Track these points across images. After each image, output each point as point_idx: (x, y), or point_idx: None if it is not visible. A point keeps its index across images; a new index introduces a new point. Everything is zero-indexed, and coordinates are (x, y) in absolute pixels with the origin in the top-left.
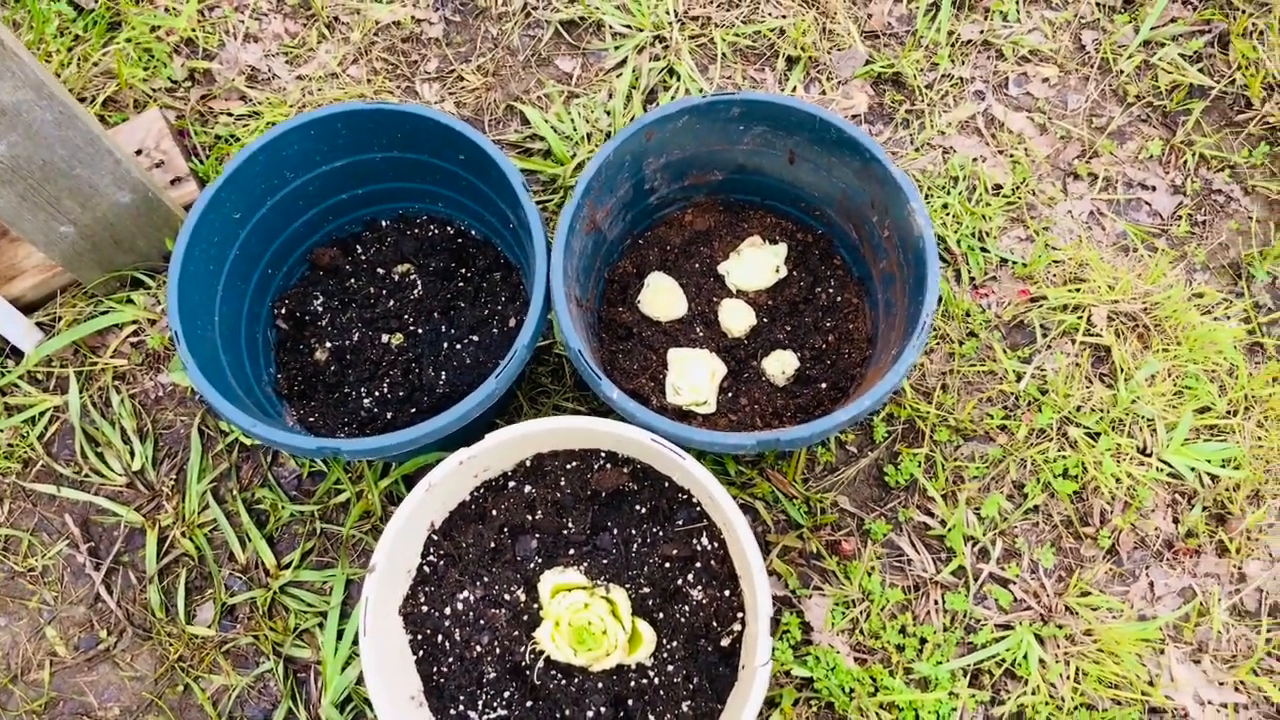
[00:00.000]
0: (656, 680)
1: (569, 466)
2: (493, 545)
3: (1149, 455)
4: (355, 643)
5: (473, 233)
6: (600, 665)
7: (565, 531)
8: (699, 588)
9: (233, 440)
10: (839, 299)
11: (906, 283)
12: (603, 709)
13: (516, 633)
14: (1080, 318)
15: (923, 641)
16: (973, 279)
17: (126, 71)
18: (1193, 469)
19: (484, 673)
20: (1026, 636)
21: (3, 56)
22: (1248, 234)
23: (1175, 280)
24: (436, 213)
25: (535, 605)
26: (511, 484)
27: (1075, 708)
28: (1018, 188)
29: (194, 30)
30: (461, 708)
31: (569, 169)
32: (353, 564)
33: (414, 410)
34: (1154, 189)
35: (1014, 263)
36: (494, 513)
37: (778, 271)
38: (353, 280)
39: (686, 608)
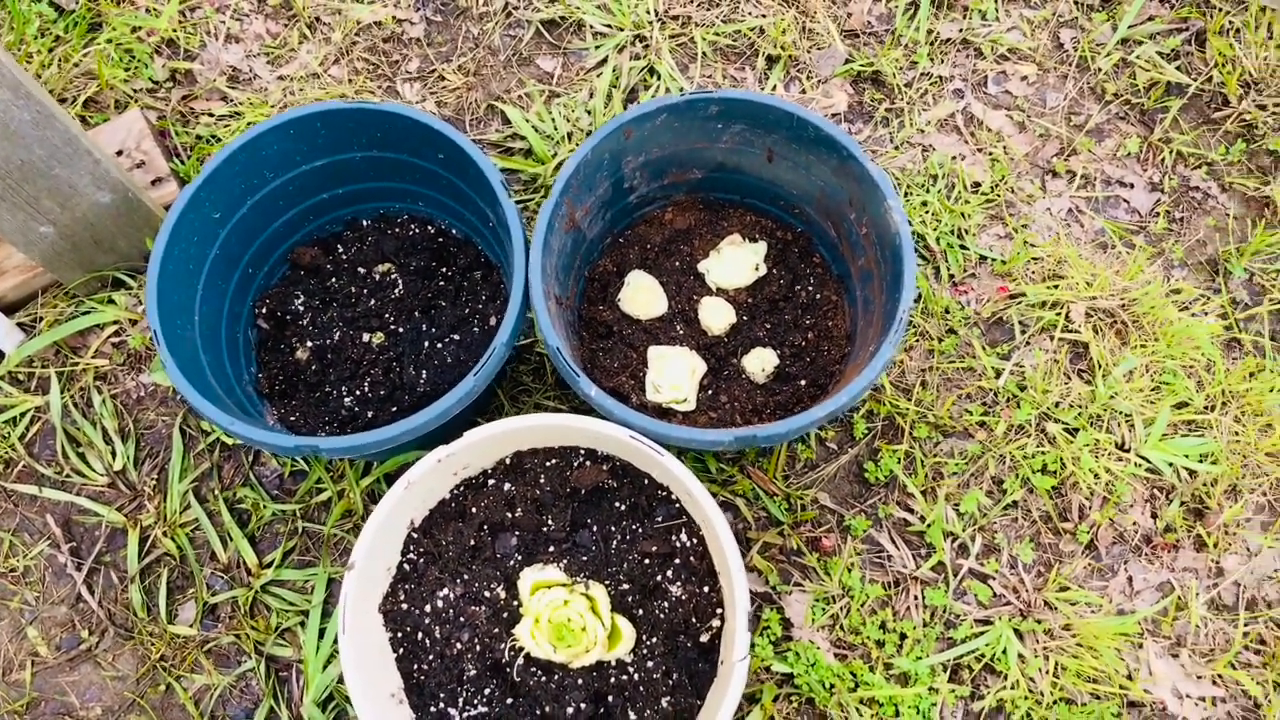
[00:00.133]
0: (636, 676)
1: (549, 464)
2: (473, 543)
3: (1127, 451)
4: (337, 641)
5: (453, 232)
6: (580, 662)
7: (545, 529)
8: (678, 584)
9: (214, 440)
10: (818, 296)
11: (884, 280)
12: (582, 705)
13: (496, 630)
14: (1059, 314)
15: (903, 637)
16: (952, 276)
17: (107, 72)
18: (1170, 464)
19: (464, 670)
20: (1006, 631)
21: None
22: (1225, 230)
23: (1153, 276)
24: (417, 212)
25: (515, 602)
26: (491, 482)
27: (1054, 702)
28: (996, 185)
29: (175, 31)
30: (442, 705)
31: (550, 168)
32: (334, 563)
33: (395, 409)
34: (1132, 186)
35: (993, 260)
36: (474, 510)
37: (757, 269)
38: (334, 279)
39: (666, 604)
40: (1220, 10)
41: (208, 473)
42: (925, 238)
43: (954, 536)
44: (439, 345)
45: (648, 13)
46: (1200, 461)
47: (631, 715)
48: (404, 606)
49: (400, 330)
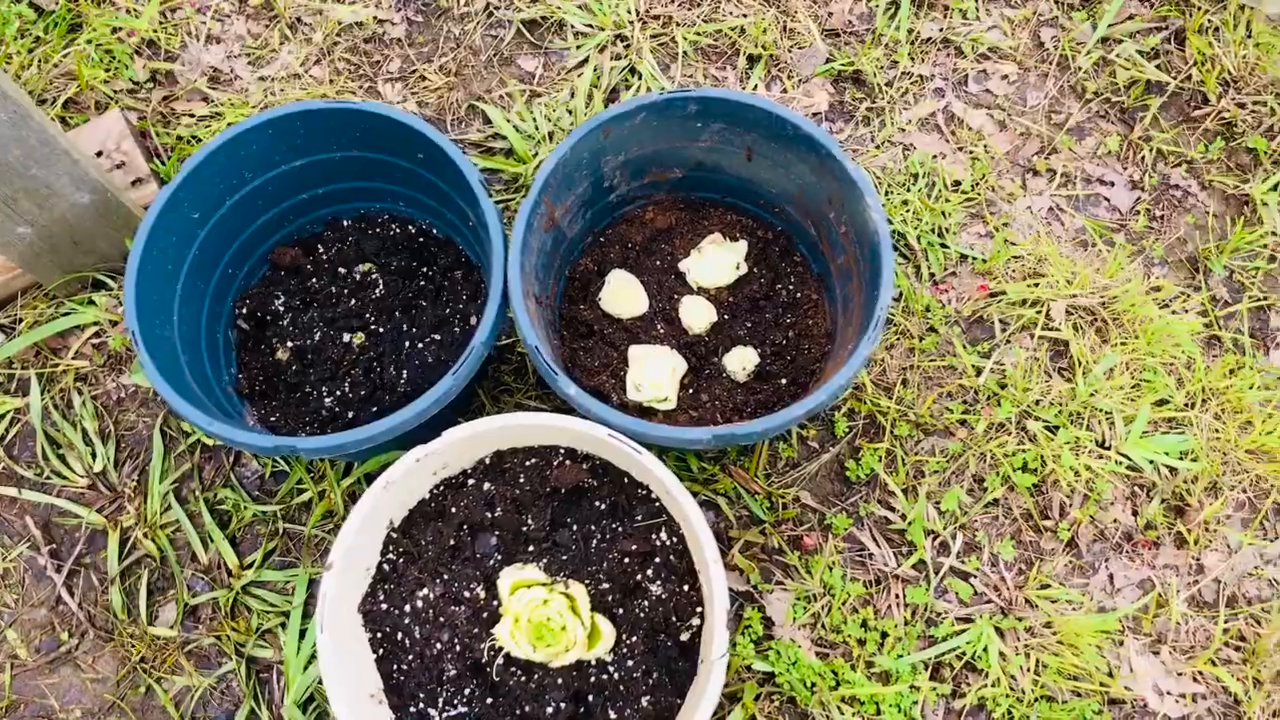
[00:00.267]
0: (616, 675)
1: (528, 463)
2: (452, 542)
3: (1108, 448)
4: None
5: (434, 232)
6: (560, 661)
7: (525, 528)
8: (658, 583)
9: (195, 441)
10: (799, 295)
11: (863, 278)
12: (562, 704)
13: (476, 630)
14: (1039, 312)
15: (884, 635)
16: (932, 275)
17: (87, 73)
18: (1151, 461)
19: (444, 670)
20: (987, 629)
21: None
22: (1205, 228)
23: (1133, 274)
24: (397, 212)
25: (495, 602)
26: (471, 481)
27: (1035, 699)
28: (977, 184)
29: (155, 31)
30: (421, 705)
31: (531, 168)
32: (315, 564)
33: (376, 409)
34: (1112, 184)
35: (973, 258)
36: (453, 510)
37: (738, 268)
38: (314, 280)
39: (646, 603)
40: (1199, 9)
41: (188, 474)
42: (906, 236)
43: (935, 534)
44: (420, 345)
45: (629, 12)
46: (1180, 459)
47: (611, 714)
48: (383, 607)
49: (381, 330)
